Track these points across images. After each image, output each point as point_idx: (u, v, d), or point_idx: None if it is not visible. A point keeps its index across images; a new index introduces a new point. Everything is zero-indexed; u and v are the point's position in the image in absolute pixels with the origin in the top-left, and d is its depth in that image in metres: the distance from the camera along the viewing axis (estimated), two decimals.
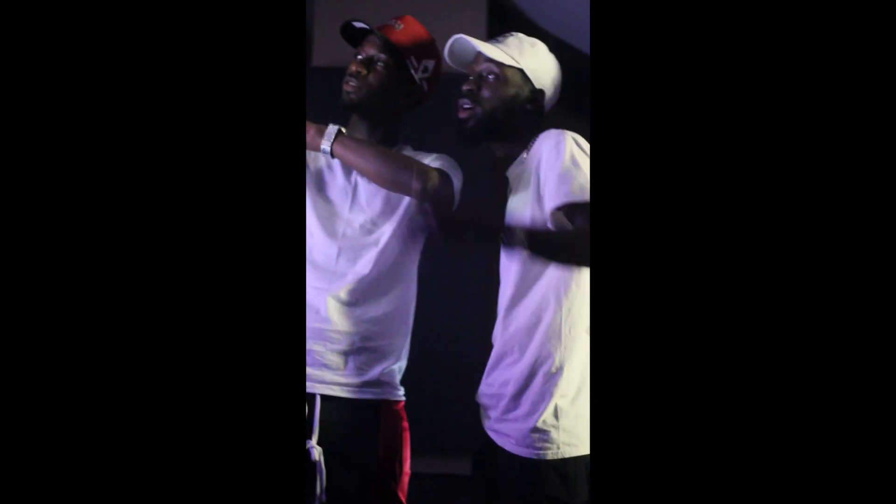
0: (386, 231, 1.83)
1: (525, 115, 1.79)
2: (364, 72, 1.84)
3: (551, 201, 1.63)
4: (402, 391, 1.88)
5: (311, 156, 1.89)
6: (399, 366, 1.88)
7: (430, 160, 1.82)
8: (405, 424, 1.86)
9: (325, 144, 1.78)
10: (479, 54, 1.78)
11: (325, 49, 3.41)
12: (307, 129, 1.80)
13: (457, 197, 1.83)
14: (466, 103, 1.77)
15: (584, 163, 1.63)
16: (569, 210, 1.60)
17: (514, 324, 1.74)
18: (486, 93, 1.76)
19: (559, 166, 1.63)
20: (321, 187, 1.87)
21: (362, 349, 1.81)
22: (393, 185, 1.79)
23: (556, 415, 1.67)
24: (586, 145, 1.67)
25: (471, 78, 1.79)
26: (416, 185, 1.76)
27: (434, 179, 1.76)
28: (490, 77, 1.76)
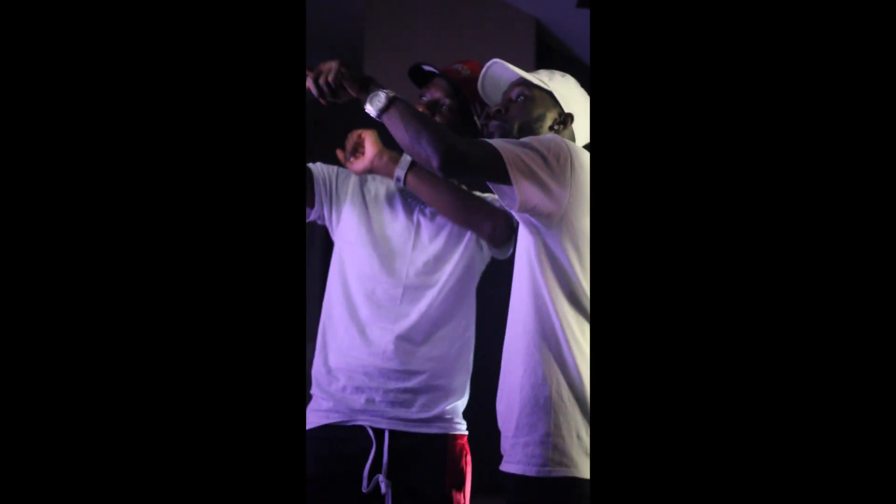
0: (447, 270, 1.87)
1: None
2: (430, 113, 1.89)
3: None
4: (464, 425, 1.90)
5: (370, 194, 1.93)
6: (462, 402, 1.91)
7: (489, 201, 1.86)
8: (468, 458, 1.88)
9: (400, 172, 1.82)
10: (511, 84, 1.82)
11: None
12: (380, 153, 1.82)
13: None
14: (494, 123, 1.78)
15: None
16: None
17: (507, 335, 1.72)
18: (513, 112, 1.78)
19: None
20: (382, 226, 1.91)
21: (429, 387, 1.84)
22: (464, 220, 1.84)
23: (547, 431, 1.59)
24: (583, 152, 1.68)
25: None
26: (487, 226, 1.81)
27: (504, 222, 1.82)
28: (520, 99, 1.79)
